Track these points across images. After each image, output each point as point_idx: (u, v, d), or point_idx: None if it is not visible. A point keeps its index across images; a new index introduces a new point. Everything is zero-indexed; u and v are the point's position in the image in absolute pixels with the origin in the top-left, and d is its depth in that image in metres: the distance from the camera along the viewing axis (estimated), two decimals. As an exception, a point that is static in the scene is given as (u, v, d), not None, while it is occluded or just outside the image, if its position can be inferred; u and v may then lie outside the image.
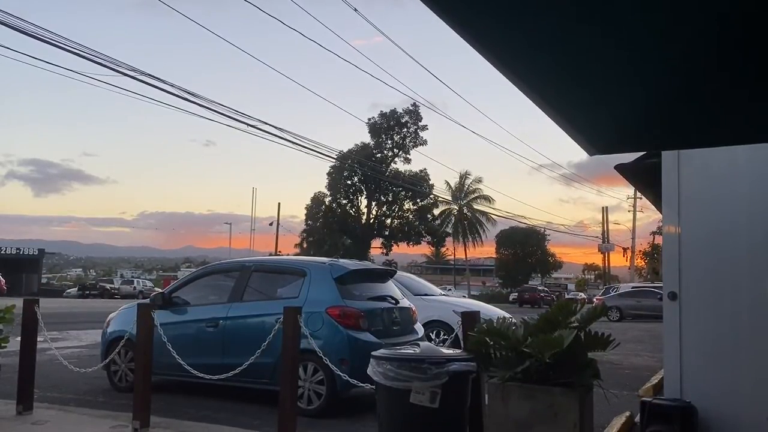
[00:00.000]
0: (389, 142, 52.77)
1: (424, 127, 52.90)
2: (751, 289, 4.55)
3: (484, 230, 61.91)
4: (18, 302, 6.44)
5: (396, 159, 53.17)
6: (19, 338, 6.22)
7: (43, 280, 63.38)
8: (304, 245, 53.87)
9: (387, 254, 55.93)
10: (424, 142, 52.93)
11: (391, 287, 7.67)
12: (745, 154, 4.62)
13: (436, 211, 57.10)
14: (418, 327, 7.75)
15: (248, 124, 18.37)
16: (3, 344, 6.08)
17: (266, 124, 19.90)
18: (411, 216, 54.45)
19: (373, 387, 4.33)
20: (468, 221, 61.27)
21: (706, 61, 2.21)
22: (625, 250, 53.64)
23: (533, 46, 2.03)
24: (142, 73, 14.12)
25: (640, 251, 53.69)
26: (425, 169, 53.85)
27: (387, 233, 54.36)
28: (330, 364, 5.51)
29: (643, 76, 2.32)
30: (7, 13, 10.94)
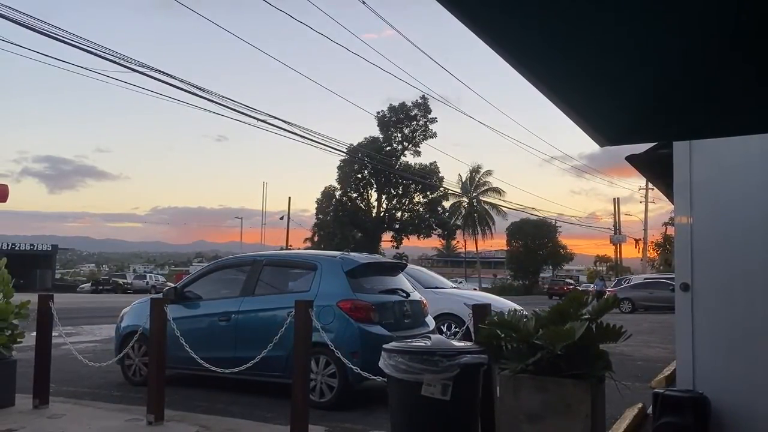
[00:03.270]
0: (398, 135, 52.58)
1: (434, 120, 52.66)
2: (764, 279, 4.52)
3: (494, 222, 61.75)
4: (33, 298, 6.50)
5: (406, 152, 53.06)
6: (34, 333, 6.30)
7: (57, 276, 63.94)
8: (315, 239, 53.88)
9: (397, 247, 55.81)
10: (434, 135, 52.72)
11: (401, 280, 7.68)
12: (758, 144, 4.58)
13: (447, 204, 56.98)
14: (429, 320, 7.75)
15: (258, 119, 18.39)
16: (19, 339, 6.15)
17: (276, 118, 19.87)
18: (421, 209, 54.26)
19: (385, 380, 4.35)
20: (478, 214, 61.10)
21: (717, 50, 2.19)
22: (637, 241, 53.30)
23: (543, 38, 2.02)
24: (154, 69, 14.16)
25: (652, 242, 53.38)
26: (435, 161, 53.67)
27: (397, 226, 54.22)
28: (342, 357, 5.53)
29: (654, 67, 2.31)
30: (17, 11, 11.00)
